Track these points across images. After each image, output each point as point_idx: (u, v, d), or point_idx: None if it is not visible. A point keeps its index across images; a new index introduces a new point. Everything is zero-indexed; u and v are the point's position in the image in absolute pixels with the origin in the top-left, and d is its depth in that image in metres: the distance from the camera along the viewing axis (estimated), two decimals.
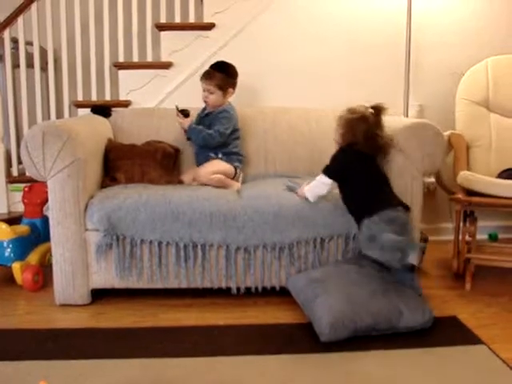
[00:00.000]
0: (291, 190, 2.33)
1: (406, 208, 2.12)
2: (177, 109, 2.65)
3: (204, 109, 2.71)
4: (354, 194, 2.17)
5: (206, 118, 2.68)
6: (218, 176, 2.52)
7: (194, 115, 2.69)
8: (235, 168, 2.63)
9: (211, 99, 2.63)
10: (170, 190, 2.34)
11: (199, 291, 2.28)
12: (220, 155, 2.63)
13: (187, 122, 2.65)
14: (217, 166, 2.57)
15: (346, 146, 2.20)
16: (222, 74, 2.62)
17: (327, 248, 2.24)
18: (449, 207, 3.04)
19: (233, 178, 2.61)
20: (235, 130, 2.67)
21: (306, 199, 2.22)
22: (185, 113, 2.66)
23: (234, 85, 2.67)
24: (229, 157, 2.64)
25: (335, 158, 2.21)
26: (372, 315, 1.89)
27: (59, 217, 2.17)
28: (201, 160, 2.65)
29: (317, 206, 2.21)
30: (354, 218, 2.15)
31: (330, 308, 1.89)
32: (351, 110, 2.21)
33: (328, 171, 2.19)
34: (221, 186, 2.48)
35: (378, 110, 2.19)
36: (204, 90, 2.64)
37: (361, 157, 2.16)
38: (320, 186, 2.19)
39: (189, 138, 2.68)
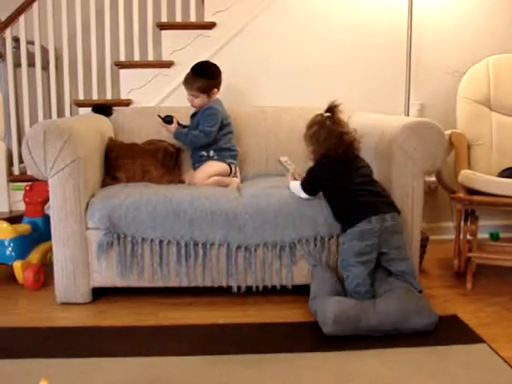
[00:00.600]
0: (282, 165, 2.39)
1: (393, 211, 2.09)
2: (160, 117, 2.68)
3: None
4: (332, 205, 2.15)
5: (194, 117, 2.68)
6: (214, 179, 2.53)
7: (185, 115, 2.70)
8: (229, 165, 2.63)
9: (197, 102, 2.64)
10: (170, 188, 2.34)
11: (200, 290, 2.28)
12: (211, 153, 2.62)
13: (172, 127, 2.67)
14: (211, 169, 2.57)
15: (320, 159, 2.18)
16: (204, 79, 2.59)
17: (327, 247, 2.24)
18: (450, 206, 3.03)
19: (229, 175, 2.61)
20: (224, 126, 2.64)
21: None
22: (167, 119, 2.68)
23: (217, 85, 2.65)
24: (220, 153, 2.63)
25: (310, 171, 2.20)
26: (378, 315, 1.89)
27: (60, 215, 2.17)
28: (195, 159, 2.66)
29: (317, 205, 2.21)
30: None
31: (336, 302, 1.92)
32: (308, 125, 2.21)
33: (304, 185, 2.19)
34: (220, 186, 2.48)
35: (332, 109, 2.17)
36: (188, 95, 2.63)
37: (338, 163, 2.12)
38: (300, 193, 2.21)
39: None
